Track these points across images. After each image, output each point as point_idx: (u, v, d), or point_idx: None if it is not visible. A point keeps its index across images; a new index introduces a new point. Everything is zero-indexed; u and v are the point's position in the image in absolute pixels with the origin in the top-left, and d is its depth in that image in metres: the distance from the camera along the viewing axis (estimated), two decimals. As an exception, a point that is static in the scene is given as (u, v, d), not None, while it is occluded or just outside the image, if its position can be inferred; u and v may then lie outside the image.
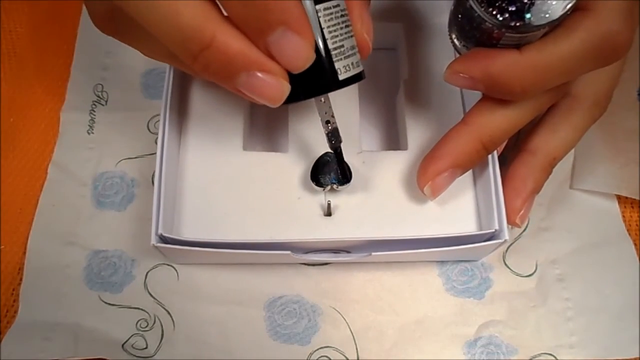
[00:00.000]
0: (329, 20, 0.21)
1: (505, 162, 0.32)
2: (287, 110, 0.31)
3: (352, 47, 0.22)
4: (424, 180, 0.27)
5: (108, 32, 0.23)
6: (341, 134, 0.26)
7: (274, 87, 0.20)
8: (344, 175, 0.28)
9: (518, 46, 0.22)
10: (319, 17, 0.21)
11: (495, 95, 0.24)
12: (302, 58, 0.20)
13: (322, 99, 0.25)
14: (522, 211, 0.28)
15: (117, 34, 0.23)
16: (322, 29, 0.21)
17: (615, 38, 0.21)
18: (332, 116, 0.25)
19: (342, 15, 0.21)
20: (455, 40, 0.25)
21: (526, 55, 0.22)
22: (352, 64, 0.22)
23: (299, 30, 0.19)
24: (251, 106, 0.34)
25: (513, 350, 0.29)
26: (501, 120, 0.25)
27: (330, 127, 0.26)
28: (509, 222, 0.27)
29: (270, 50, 0.19)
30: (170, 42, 0.19)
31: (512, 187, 0.28)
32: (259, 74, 0.19)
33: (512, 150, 0.33)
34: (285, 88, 0.20)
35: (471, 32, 0.23)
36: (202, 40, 0.19)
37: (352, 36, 0.22)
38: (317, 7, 0.20)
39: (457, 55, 0.25)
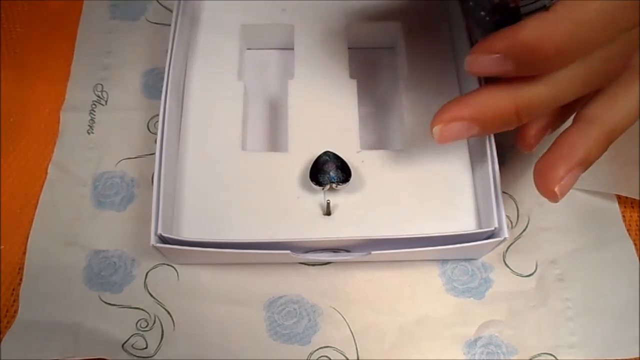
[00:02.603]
0: None
1: (505, 162, 0.33)
2: (287, 110, 0.31)
3: None
4: (438, 120, 0.24)
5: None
6: (340, 133, 0.26)
7: None
8: (344, 174, 0.28)
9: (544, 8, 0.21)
10: None
11: (528, 71, 0.22)
12: None
13: None
14: (565, 181, 0.24)
15: None
16: None
17: None
18: None
19: None
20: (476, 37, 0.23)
21: (557, 11, 0.20)
22: None
23: None
24: (251, 106, 0.34)
25: (513, 350, 0.29)
26: (543, 89, 0.23)
27: None
28: (544, 193, 0.24)
29: None
30: None
31: (557, 153, 0.24)
32: None
33: (512, 150, 0.33)
34: None
35: (488, 17, 0.22)
36: None
37: None
38: None
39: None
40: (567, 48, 0.21)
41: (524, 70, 0.22)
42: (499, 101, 0.23)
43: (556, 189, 0.24)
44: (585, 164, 0.24)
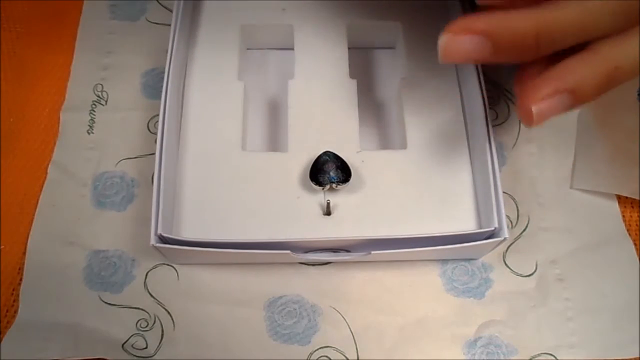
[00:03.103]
0: None
1: (505, 162, 0.33)
2: (287, 109, 0.31)
3: None
4: (454, 28, 0.21)
5: None
6: (340, 133, 0.26)
7: None
8: (344, 174, 0.28)
9: None
10: None
11: None
12: None
13: None
14: (545, 103, 0.21)
15: None
16: None
17: None
18: None
19: None
20: None
21: None
22: None
23: None
24: (251, 106, 0.34)
25: (513, 350, 0.29)
26: (571, 13, 0.20)
27: None
28: (520, 111, 0.22)
29: None
30: None
31: (548, 72, 0.22)
32: None
33: (512, 150, 0.33)
34: None
35: None
36: None
37: None
38: None
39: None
40: None
41: None
42: (520, 20, 0.20)
43: (534, 109, 0.21)
44: (576, 95, 0.22)
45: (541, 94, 0.21)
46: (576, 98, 0.21)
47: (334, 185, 0.28)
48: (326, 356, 0.29)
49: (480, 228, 0.28)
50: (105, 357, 0.28)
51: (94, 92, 0.35)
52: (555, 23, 0.20)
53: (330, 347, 0.29)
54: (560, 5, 0.20)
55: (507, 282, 0.30)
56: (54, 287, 0.30)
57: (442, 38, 0.21)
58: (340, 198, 0.29)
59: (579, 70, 0.21)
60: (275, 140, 0.33)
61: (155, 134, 0.29)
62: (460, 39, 0.21)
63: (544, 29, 0.20)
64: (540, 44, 0.21)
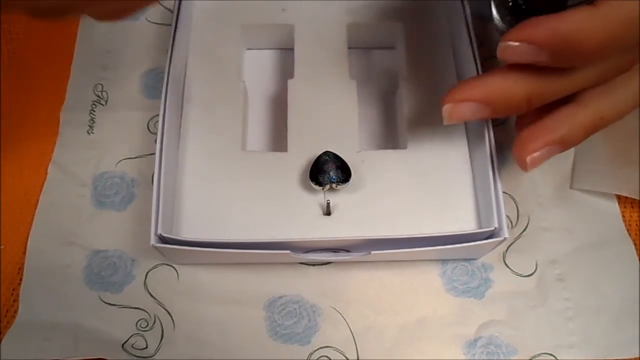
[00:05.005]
0: None
1: (505, 162, 0.33)
2: (287, 110, 0.31)
3: None
4: (450, 99, 0.24)
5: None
6: (340, 133, 0.26)
7: None
8: (344, 174, 0.28)
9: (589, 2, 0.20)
10: None
11: (561, 62, 0.21)
12: None
13: None
14: (538, 153, 0.24)
15: None
16: None
17: None
18: None
19: None
20: (502, 25, 0.23)
21: (601, 6, 0.20)
22: None
23: None
24: (251, 106, 0.34)
25: (513, 350, 0.29)
26: (558, 80, 0.22)
27: None
28: (517, 160, 0.24)
29: None
30: None
31: (540, 126, 0.24)
32: None
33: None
34: None
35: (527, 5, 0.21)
36: None
37: None
38: None
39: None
40: (608, 46, 0.20)
41: (557, 62, 0.21)
42: (512, 86, 0.23)
43: (528, 159, 0.24)
44: (565, 144, 0.24)
45: (534, 147, 0.24)
46: (565, 146, 0.24)
47: (334, 185, 0.28)
48: (326, 356, 0.29)
49: (480, 228, 0.28)
50: (105, 357, 0.28)
51: (94, 92, 0.35)
52: (544, 88, 0.23)
53: (330, 347, 0.29)
54: (552, 72, 0.22)
55: (507, 282, 0.30)
56: (54, 287, 0.30)
57: (445, 107, 0.24)
58: (340, 198, 0.29)
59: (567, 124, 0.24)
60: (275, 140, 0.33)
61: (155, 134, 0.29)
62: (461, 106, 0.23)
63: (534, 93, 0.23)
64: (532, 104, 0.23)
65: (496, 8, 0.23)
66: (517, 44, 0.21)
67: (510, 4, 0.22)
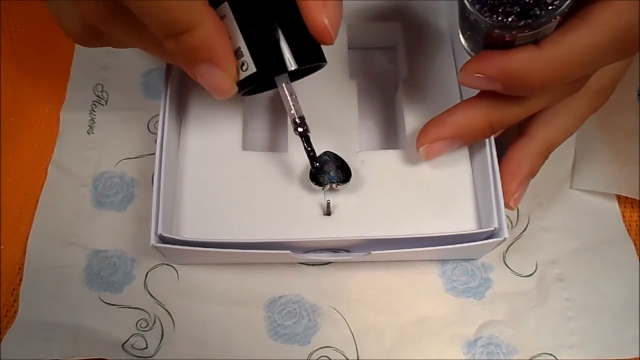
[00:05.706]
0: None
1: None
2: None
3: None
4: (423, 141, 0.27)
5: (88, 42, 0.26)
6: (340, 133, 0.26)
7: (222, 84, 0.23)
8: (344, 174, 0.28)
9: (534, 42, 0.22)
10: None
11: (512, 93, 0.24)
12: (223, 90, 0.23)
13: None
14: (517, 194, 0.28)
15: (98, 39, 0.25)
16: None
17: (637, 31, 0.21)
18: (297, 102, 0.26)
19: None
20: (469, 50, 0.25)
21: (545, 49, 0.22)
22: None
23: (222, 67, 0.22)
24: (250, 106, 0.34)
25: (513, 350, 0.29)
26: (514, 107, 0.25)
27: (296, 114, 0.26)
28: (505, 205, 0.27)
29: (198, 79, 0.23)
30: (157, 21, 0.21)
31: (508, 170, 0.28)
32: (215, 69, 0.22)
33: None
34: (232, 89, 0.23)
35: (483, 41, 0.23)
36: (187, 25, 0.21)
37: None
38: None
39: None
40: (550, 83, 0.23)
41: (509, 92, 0.24)
42: (474, 119, 0.26)
43: (511, 203, 0.28)
44: (532, 175, 0.29)
45: (511, 192, 0.28)
46: (533, 176, 0.29)
47: (334, 185, 0.28)
48: (326, 356, 0.29)
49: (480, 228, 0.28)
50: (105, 357, 0.28)
51: (94, 92, 0.35)
52: (502, 116, 0.26)
53: (330, 347, 0.29)
54: (507, 100, 0.25)
55: (507, 282, 0.30)
56: (54, 287, 0.30)
57: (421, 149, 0.27)
58: (340, 198, 0.29)
59: (527, 161, 0.28)
60: (275, 140, 0.33)
61: (155, 134, 0.29)
62: (435, 145, 0.27)
63: (495, 121, 0.26)
64: (495, 130, 0.26)
65: (461, 31, 0.25)
66: (474, 74, 0.23)
67: (469, 33, 0.24)
